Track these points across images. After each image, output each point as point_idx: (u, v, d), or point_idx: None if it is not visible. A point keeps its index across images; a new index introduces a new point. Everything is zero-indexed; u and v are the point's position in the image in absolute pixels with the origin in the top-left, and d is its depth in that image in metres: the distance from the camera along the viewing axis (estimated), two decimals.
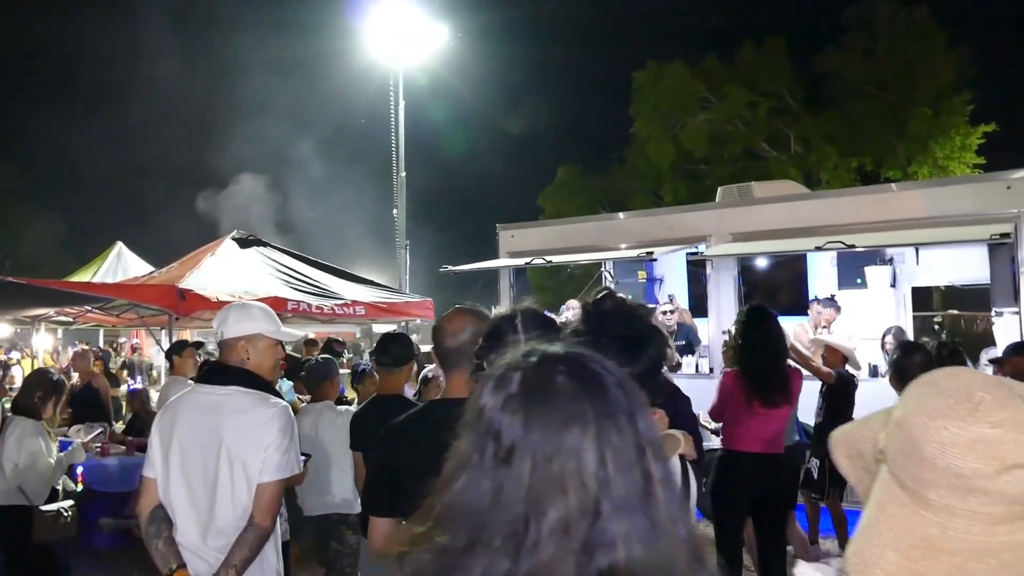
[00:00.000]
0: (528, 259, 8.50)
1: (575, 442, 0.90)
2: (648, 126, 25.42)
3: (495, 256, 9.28)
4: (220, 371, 2.90)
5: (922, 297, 9.69)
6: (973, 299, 9.77)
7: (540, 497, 0.88)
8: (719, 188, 9.60)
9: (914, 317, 9.13)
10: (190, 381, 6.34)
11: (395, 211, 14.97)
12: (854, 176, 23.72)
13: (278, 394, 3.04)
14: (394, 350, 3.95)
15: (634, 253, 7.72)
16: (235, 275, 8.74)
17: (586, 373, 0.95)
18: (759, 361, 4.38)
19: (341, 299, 9.03)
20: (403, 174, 14.99)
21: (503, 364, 0.98)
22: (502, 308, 2.41)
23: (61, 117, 41.46)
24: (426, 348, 5.60)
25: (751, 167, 24.76)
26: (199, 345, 6.57)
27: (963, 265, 8.84)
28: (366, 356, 15.64)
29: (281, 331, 3.17)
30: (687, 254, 8.20)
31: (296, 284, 9.09)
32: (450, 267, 9.05)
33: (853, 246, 6.66)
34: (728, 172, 24.90)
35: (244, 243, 9.58)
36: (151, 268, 11.11)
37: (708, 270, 8.06)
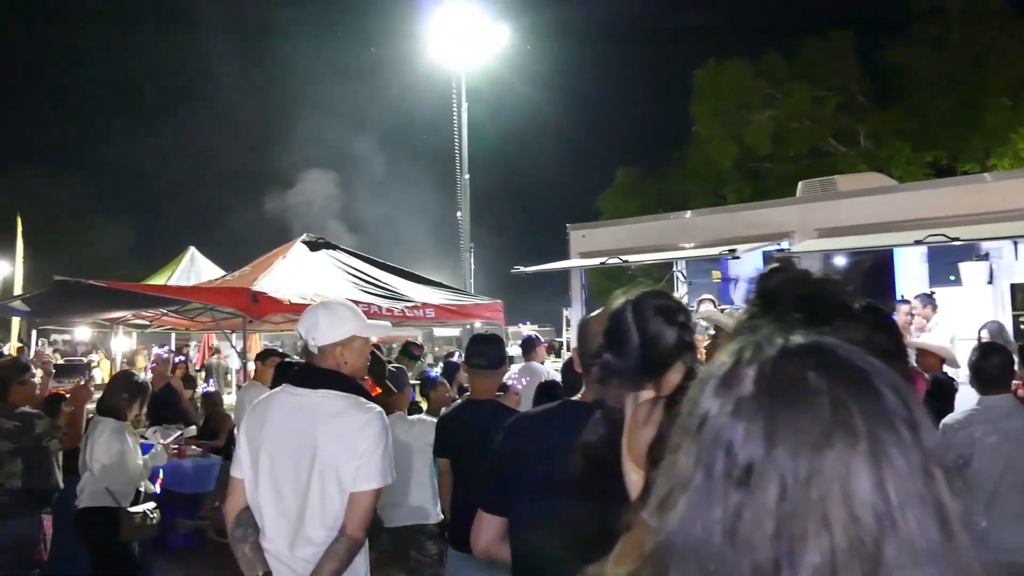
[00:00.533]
0: (603, 259, 8.29)
1: (841, 461, 0.67)
2: (710, 125, 24.91)
3: (559, 257, 9.10)
4: (313, 373, 2.74)
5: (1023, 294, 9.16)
6: None
7: (794, 535, 0.65)
8: (800, 182, 9.25)
9: (1014, 316, 8.63)
10: (268, 388, 6.34)
11: (459, 214, 14.90)
12: (928, 171, 22.82)
13: (371, 397, 2.90)
14: (488, 351, 3.78)
15: (715, 251, 7.45)
16: (306, 278, 8.73)
17: (848, 368, 0.71)
18: None
19: (411, 301, 8.94)
20: (467, 176, 14.91)
21: (729, 358, 0.75)
22: (619, 300, 2.08)
23: (129, 127, 42.82)
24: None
25: (818, 164, 24.06)
26: (284, 358, 6.49)
27: None
28: (428, 360, 15.60)
29: (371, 326, 3.07)
30: (771, 251, 7.85)
31: (365, 287, 9.04)
32: (522, 268, 8.90)
33: (956, 239, 6.27)
34: (794, 170, 24.21)
35: (314, 246, 9.58)
36: (223, 272, 11.22)
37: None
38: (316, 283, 8.68)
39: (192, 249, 12.61)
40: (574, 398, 2.19)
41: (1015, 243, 8.52)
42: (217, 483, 7.42)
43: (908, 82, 23.53)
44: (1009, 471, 3.65)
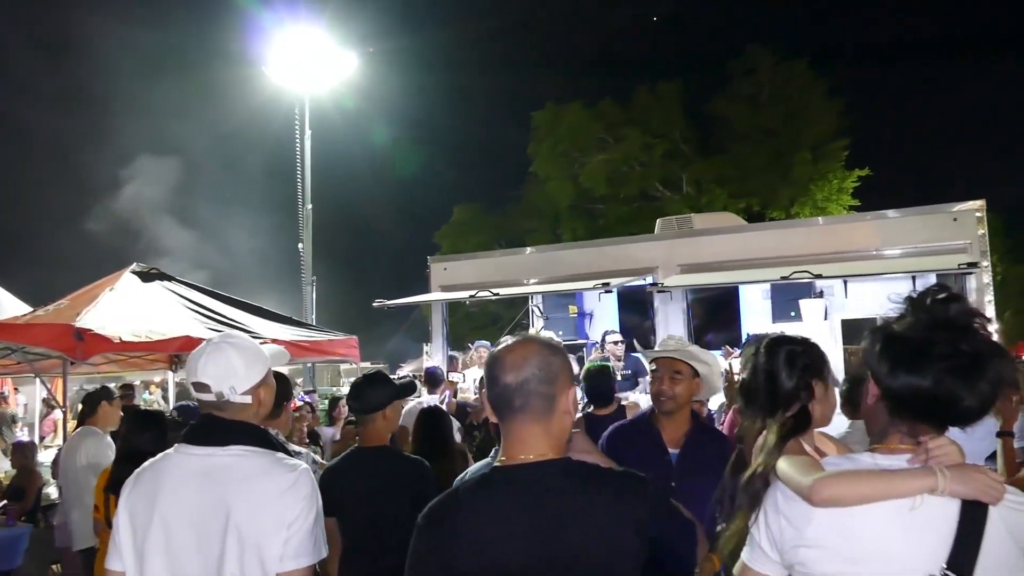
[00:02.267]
0: (472, 292, 8.03)
1: None
2: (547, 165, 25.65)
3: (407, 291, 8.80)
4: (219, 426, 2.21)
5: (851, 329, 9.89)
6: None
7: None
8: (658, 220, 9.53)
9: (844, 349, 9.28)
10: (109, 436, 5.47)
11: (300, 245, 14.14)
12: (743, 216, 24.69)
13: (288, 451, 2.43)
14: (371, 393, 3.36)
15: (589, 284, 7.41)
16: (139, 312, 7.74)
17: None
18: None
19: (260, 337, 8.19)
20: (309, 206, 14.20)
21: None
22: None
23: None
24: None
25: (647, 207, 25.39)
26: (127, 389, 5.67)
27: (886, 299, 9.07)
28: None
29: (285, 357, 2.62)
30: (639, 286, 7.94)
31: (208, 322, 8.17)
32: (384, 301, 8.45)
33: (820, 275, 6.61)
34: (625, 212, 25.46)
35: (146, 277, 8.56)
36: (28, 307, 9.82)
37: (656, 303, 7.88)
38: (151, 319, 7.72)
39: None
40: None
41: (845, 282, 9.21)
42: (27, 556, 6.32)
43: (727, 134, 25.47)
44: None
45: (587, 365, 4.96)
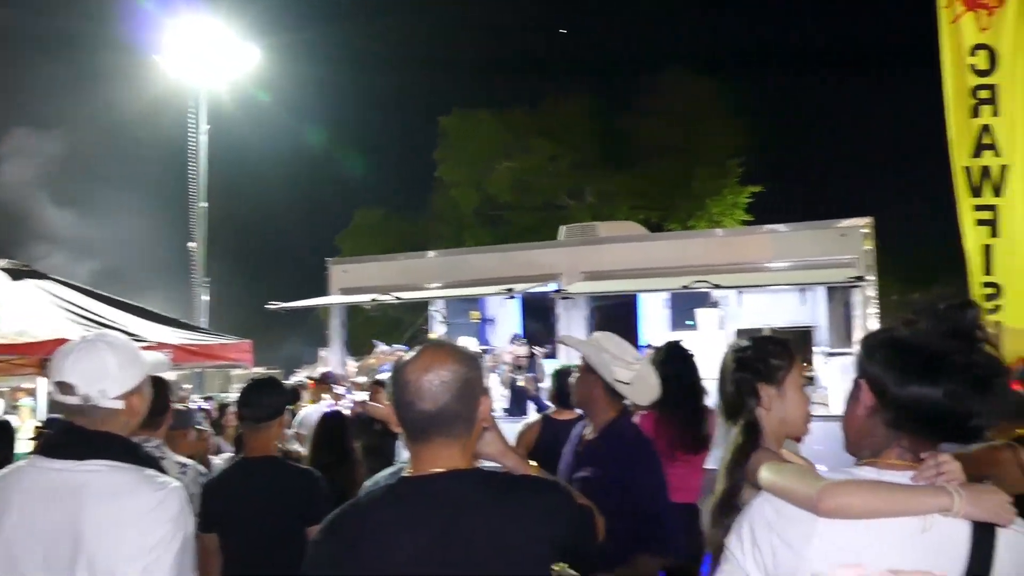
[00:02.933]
0: (373, 295, 7.81)
1: None
2: (454, 171, 25.54)
3: (309, 294, 8.53)
4: (80, 437, 1.97)
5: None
6: (792, 341, 10.32)
7: None
8: (562, 227, 9.58)
9: None
10: None
11: (192, 244, 13.50)
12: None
13: (160, 467, 2.21)
14: (264, 401, 3.17)
15: (493, 290, 7.34)
16: (7, 312, 7.18)
17: None
18: (682, 404, 4.08)
19: (144, 341, 7.71)
20: (203, 204, 13.59)
21: None
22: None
23: None
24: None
25: (552, 216, 25.63)
26: None
27: (781, 308, 9.43)
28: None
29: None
30: (543, 293, 7.92)
31: (87, 324, 7.65)
32: (281, 304, 8.14)
33: (718, 286, 6.76)
34: (530, 220, 25.62)
35: (16, 274, 7.94)
36: None
37: (558, 309, 7.89)
38: (22, 319, 7.18)
39: None
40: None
41: (739, 292, 9.52)
42: None
43: (632, 147, 26.03)
44: None
45: (558, 367, 4.77)
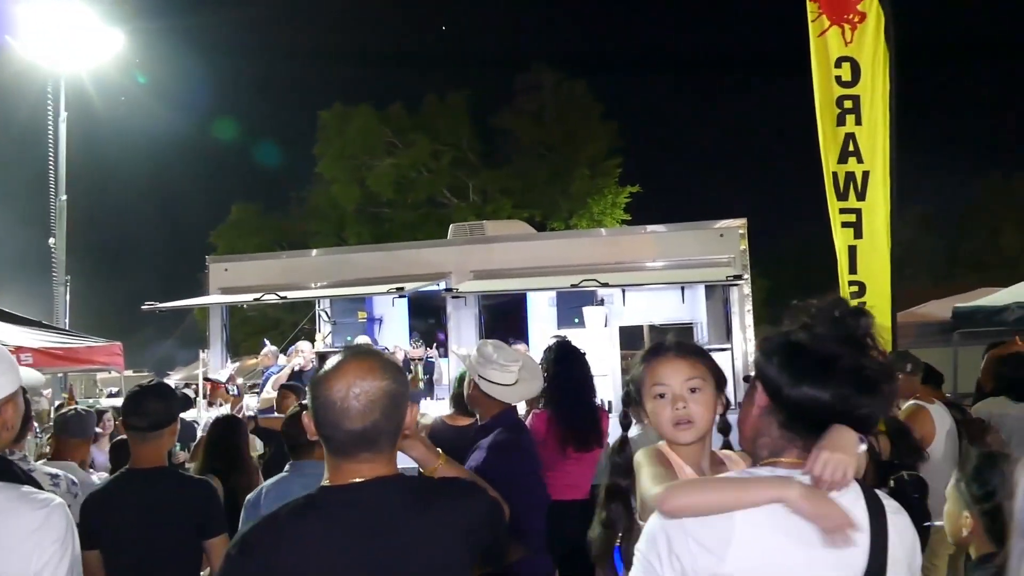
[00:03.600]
0: (256, 295, 7.53)
1: None
2: (334, 167, 24.99)
3: (182, 292, 8.16)
4: None
5: (628, 336, 10.51)
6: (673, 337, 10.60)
7: None
8: (451, 225, 9.57)
9: (621, 355, 9.85)
10: None
11: (52, 240, 12.55)
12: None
13: (36, 483, 2.04)
14: (153, 407, 2.94)
15: (382, 288, 7.23)
16: None
17: None
18: (573, 402, 4.15)
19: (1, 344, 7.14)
20: (63, 197, 12.65)
21: None
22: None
23: None
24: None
25: (434, 213, 25.58)
26: None
27: (663, 306, 9.79)
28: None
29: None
30: (433, 291, 7.86)
31: None
32: (156, 304, 7.70)
33: (607, 284, 6.94)
34: (412, 217, 25.46)
35: None
36: None
37: (449, 308, 7.88)
38: None
39: None
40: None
41: (623, 291, 9.81)
42: None
43: (512, 146, 26.36)
44: None
45: (460, 371, 4.67)
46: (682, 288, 8.88)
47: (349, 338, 9.62)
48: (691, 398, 1.84)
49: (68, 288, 12.69)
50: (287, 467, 3.28)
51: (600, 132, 25.66)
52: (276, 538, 1.51)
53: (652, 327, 10.79)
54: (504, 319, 9.71)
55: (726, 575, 1.39)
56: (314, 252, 9.20)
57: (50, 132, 12.79)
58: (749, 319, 7.05)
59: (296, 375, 7.50)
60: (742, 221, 7.25)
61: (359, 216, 25.75)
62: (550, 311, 9.93)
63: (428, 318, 9.52)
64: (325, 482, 1.60)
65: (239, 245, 24.01)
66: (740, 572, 1.39)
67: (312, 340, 9.84)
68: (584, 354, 4.38)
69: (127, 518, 2.86)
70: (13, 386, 1.89)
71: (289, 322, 22.30)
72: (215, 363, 8.26)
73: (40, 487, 1.98)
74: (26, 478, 1.94)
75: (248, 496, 3.22)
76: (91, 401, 11.61)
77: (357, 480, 1.56)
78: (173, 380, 25.89)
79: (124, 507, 2.88)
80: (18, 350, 7.23)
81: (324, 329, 10.70)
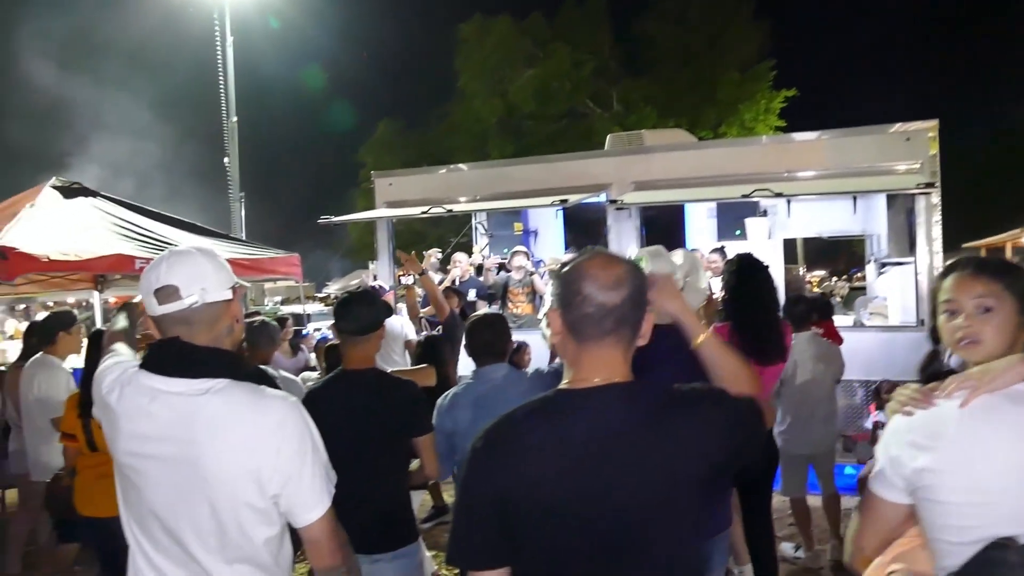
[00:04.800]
0: (423, 208, 7.75)
1: None
2: (474, 81, 24.96)
3: (336, 207, 8.51)
4: (186, 352, 1.83)
5: (792, 248, 10.13)
6: (838, 250, 10.05)
7: None
8: (608, 136, 9.40)
9: (785, 268, 9.51)
10: (68, 368, 5.11)
11: (226, 160, 13.39)
12: None
13: (273, 383, 2.18)
14: (360, 313, 3.10)
15: (546, 200, 7.25)
16: (64, 230, 7.20)
17: None
18: (756, 315, 4.07)
19: None
20: (234, 119, 13.39)
21: None
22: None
23: None
24: None
25: (576, 125, 25.19)
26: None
27: (831, 217, 9.30)
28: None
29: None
30: (607, 202, 7.76)
31: (141, 241, 7.68)
32: (330, 217, 8.11)
33: (781, 194, 6.63)
34: (553, 130, 25.18)
35: (68, 192, 7.95)
36: None
37: (609, 219, 7.82)
38: (76, 236, 7.20)
39: None
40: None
41: (788, 201, 9.37)
42: None
43: (655, 53, 25.28)
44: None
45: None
46: (854, 198, 8.37)
47: (506, 250, 9.79)
48: (980, 317, 1.74)
49: (243, 204, 13.54)
50: (471, 373, 3.41)
51: (750, 33, 24.13)
52: (513, 438, 1.57)
53: (817, 239, 10.34)
54: (663, 231, 9.56)
55: (930, 470, 1.57)
56: (477, 166, 9.32)
57: (219, 57, 13.44)
58: (937, 230, 6.56)
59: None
60: (933, 123, 6.65)
61: (500, 130, 25.75)
62: (709, 223, 9.67)
63: (584, 230, 9.51)
64: (564, 383, 1.64)
65: (385, 162, 24.69)
66: (940, 469, 1.56)
67: (468, 252, 10.12)
68: (767, 267, 4.25)
69: (339, 415, 3.07)
70: (232, 281, 1.96)
71: (434, 236, 22.94)
72: (383, 274, 8.64)
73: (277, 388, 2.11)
74: (264, 379, 2.07)
75: (440, 400, 3.37)
76: (267, 308, 12.50)
77: (592, 383, 1.58)
78: (332, 289, 27.51)
79: (337, 405, 3.09)
80: None
81: (480, 242, 10.95)
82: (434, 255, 9.21)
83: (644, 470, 1.52)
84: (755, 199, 7.07)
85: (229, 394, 1.81)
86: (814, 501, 5.40)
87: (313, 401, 3.18)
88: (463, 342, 3.62)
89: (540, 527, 1.52)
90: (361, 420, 3.08)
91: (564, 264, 1.69)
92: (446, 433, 3.25)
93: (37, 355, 4.91)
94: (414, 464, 3.22)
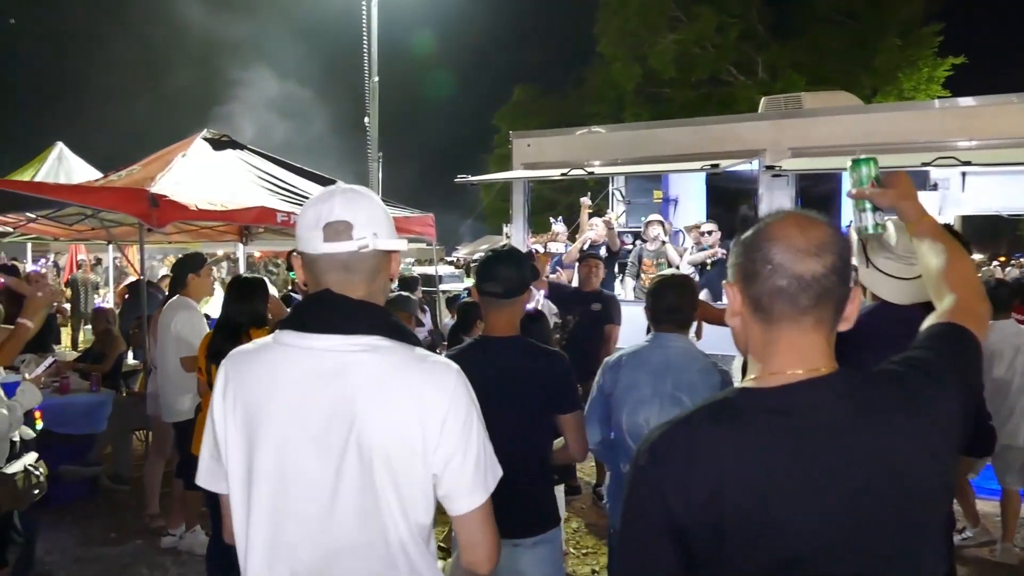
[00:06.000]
0: (565, 170, 7.46)
1: None
2: (614, 45, 24.29)
3: (469, 167, 8.32)
4: (341, 307, 1.58)
5: (969, 226, 9.19)
6: (999, 232, 9.12)
7: None
8: (763, 98, 8.77)
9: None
10: (200, 308, 5.23)
11: (367, 119, 13.57)
12: None
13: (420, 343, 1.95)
14: (506, 274, 2.75)
15: (695, 165, 6.80)
16: (212, 180, 7.40)
17: None
18: None
19: None
20: (376, 79, 13.53)
21: None
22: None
23: None
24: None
25: (717, 92, 24.11)
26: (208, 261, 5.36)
27: (1013, 193, 8.32)
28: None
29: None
30: (761, 169, 7.22)
31: (283, 194, 7.83)
32: (467, 177, 7.98)
33: (968, 162, 5.91)
34: (692, 97, 24.20)
35: (217, 144, 8.19)
36: (99, 173, 9.59)
37: (761, 188, 7.27)
38: (225, 187, 7.40)
39: (60, 145, 10.71)
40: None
41: (963, 175, 8.45)
42: (110, 422, 6.26)
43: (806, 16, 23.70)
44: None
45: None
46: None
47: (643, 217, 9.38)
48: None
49: (380, 164, 13.71)
50: (649, 337, 3.14)
51: None
52: (689, 447, 1.23)
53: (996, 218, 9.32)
54: (817, 200, 8.87)
55: None
56: (619, 127, 8.92)
57: (363, 17, 13.57)
58: None
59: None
60: None
61: (638, 96, 25.02)
62: None
63: (729, 200, 8.95)
64: (749, 380, 1.29)
65: (519, 127, 24.51)
66: None
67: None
68: (968, 243, 3.71)
69: (478, 386, 2.84)
70: (396, 232, 1.70)
71: (564, 203, 22.68)
72: (517, 237, 8.45)
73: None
74: (417, 341, 1.84)
75: (607, 358, 3.20)
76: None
77: (787, 380, 1.23)
78: (461, 253, 27.87)
79: (476, 374, 2.84)
80: None
81: (617, 208, 10.56)
82: (587, 205, 8.84)
83: (871, 478, 1.19)
84: (928, 168, 6.33)
85: (391, 353, 1.58)
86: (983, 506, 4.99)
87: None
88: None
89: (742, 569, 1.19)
90: (504, 393, 2.79)
91: (752, 230, 1.32)
92: (605, 394, 3.06)
93: (174, 298, 4.99)
94: (557, 442, 2.95)
